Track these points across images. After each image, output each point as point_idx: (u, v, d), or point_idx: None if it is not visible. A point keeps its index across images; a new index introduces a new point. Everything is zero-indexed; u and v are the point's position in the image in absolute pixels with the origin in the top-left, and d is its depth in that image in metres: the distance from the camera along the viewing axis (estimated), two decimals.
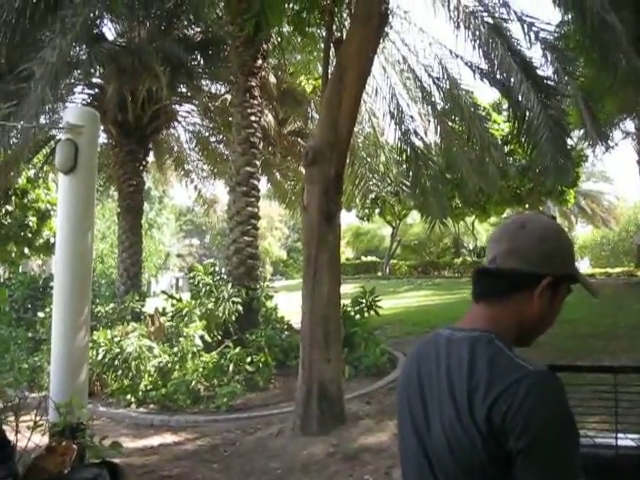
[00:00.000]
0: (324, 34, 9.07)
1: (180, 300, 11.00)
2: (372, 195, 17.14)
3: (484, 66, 10.37)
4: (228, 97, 14.47)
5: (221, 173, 17.94)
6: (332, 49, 8.30)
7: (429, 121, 12.50)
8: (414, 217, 33.77)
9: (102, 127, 12.82)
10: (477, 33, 9.87)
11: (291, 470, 5.97)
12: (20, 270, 20.98)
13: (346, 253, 45.52)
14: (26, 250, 20.99)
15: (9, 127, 8.20)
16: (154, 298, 17.14)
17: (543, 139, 9.48)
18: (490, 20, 9.93)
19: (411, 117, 12.55)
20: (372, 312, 11.39)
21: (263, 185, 17.27)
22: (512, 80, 9.58)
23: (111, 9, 10.23)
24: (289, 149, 16.85)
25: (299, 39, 11.37)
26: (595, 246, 48.14)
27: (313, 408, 6.93)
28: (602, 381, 2.53)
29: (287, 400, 8.38)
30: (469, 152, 12.24)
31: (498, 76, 10.11)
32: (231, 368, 9.19)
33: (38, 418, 4.45)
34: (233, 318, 10.32)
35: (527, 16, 9.47)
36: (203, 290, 10.70)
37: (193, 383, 8.80)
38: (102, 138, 14.28)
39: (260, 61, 11.85)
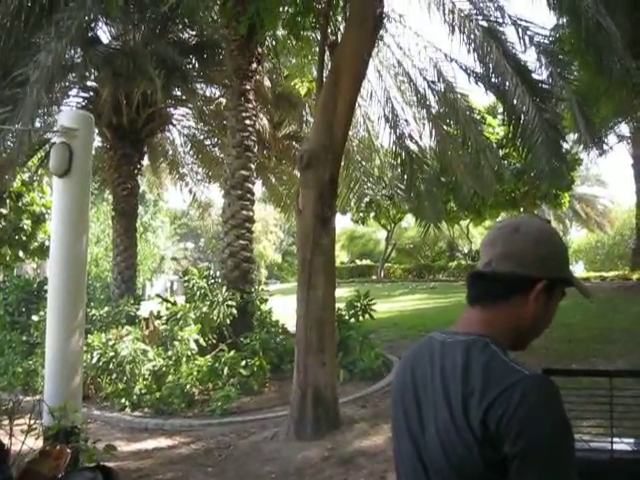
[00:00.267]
0: (319, 37, 9.08)
1: (175, 304, 10.99)
2: (367, 199, 17.13)
3: (479, 70, 10.41)
4: (223, 100, 14.51)
5: (216, 176, 17.94)
6: (327, 52, 8.31)
7: (424, 125, 12.52)
8: (409, 221, 33.86)
9: (97, 130, 12.79)
10: (472, 37, 9.89)
11: (285, 474, 5.96)
12: (14, 273, 20.92)
13: (341, 257, 45.56)
14: (21, 253, 20.91)
15: (5, 131, 8.19)
16: (149, 301, 17.07)
17: (538, 143, 9.51)
18: (485, 24, 9.95)
19: (406, 121, 12.58)
20: (367, 316, 11.39)
21: (258, 188, 17.29)
22: (507, 84, 9.62)
23: (106, 12, 10.20)
24: (284, 152, 16.86)
25: (294, 42, 11.35)
26: (589, 250, 48.23)
27: (308, 412, 6.93)
28: (597, 385, 2.53)
29: (282, 404, 8.38)
30: (464, 155, 12.25)
31: (493, 80, 10.14)
32: (226, 372, 9.17)
33: (32, 422, 4.43)
34: (228, 322, 10.31)
35: (521, 20, 9.51)
36: (198, 294, 10.68)
37: (187, 387, 8.79)
38: (97, 141, 14.25)
39: (255, 64, 11.86)
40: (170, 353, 9.33)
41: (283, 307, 12.70)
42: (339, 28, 9.15)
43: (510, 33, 9.88)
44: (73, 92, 13.95)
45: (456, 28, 10.07)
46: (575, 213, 42.94)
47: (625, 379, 2.61)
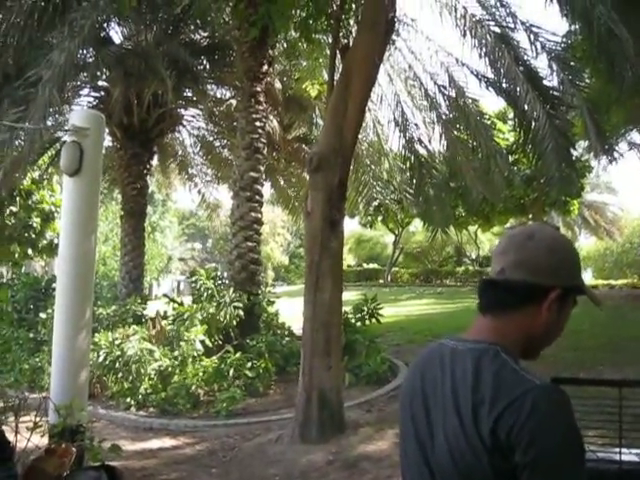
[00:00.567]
0: (330, 40, 9.09)
1: (181, 304, 11.00)
2: (375, 202, 17.13)
3: (490, 75, 10.41)
4: (233, 102, 14.53)
5: (225, 178, 17.99)
6: (338, 56, 8.31)
7: (433, 129, 12.52)
8: (417, 225, 33.75)
9: (107, 130, 12.84)
10: (483, 42, 9.90)
11: (289, 477, 5.94)
12: (23, 271, 21.02)
13: (348, 260, 45.50)
14: (29, 251, 21.01)
15: (17, 129, 8.23)
16: (155, 301, 17.11)
17: (548, 149, 9.48)
18: (497, 29, 9.95)
19: (415, 125, 12.60)
20: (373, 320, 11.37)
21: (266, 190, 17.31)
22: (518, 90, 9.61)
23: (119, 12, 10.25)
24: (293, 155, 16.87)
25: (305, 45, 11.36)
26: (598, 257, 47.94)
27: (313, 415, 6.91)
28: (606, 394, 2.51)
29: (287, 406, 8.36)
30: (474, 161, 12.23)
31: (504, 85, 10.13)
32: (231, 373, 9.16)
33: (38, 419, 4.44)
34: (234, 323, 10.30)
35: (533, 26, 9.49)
36: (205, 294, 10.69)
37: (193, 387, 8.78)
38: (107, 141, 14.30)
39: (266, 66, 11.85)
40: (176, 353, 9.33)
41: (289, 309, 12.69)
42: (351, 31, 9.14)
43: (522, 39, 9.89)
44: (84, 92, 14.06)
45: (468, 33, 10.08)
46: (584, 220, 42.72)
47: (634, 389, 2.59)
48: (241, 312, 10.33)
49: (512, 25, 9.85)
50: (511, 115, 16.91)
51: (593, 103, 10.27)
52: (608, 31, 7.61)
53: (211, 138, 17.91)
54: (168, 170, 19.72)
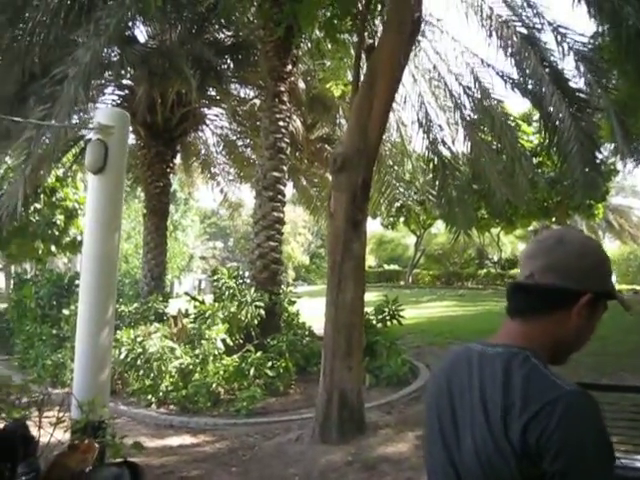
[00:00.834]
0: (355, 40, 9.07)
1: (203, 302, 11.04)
2: (398, 203, 17.06)
3: (515, 76, 10.34)
4: (257, 102, 14.56)
5: (247, 177, 18.03)
6: (363, 56, 8.29)
7: (457, 130, 12.45)
8: (439, 227, 33.64)
9: (131, 128, 12.92)
10: (509, 42, 9.83)
11: (309, 477, 5.94)
12: (46, 267, 21.25)
13: (369, 261, 45.39)
14: (53, 248, 21.21)
15: (43, 127, 8.31)
16: (177, 299, 17.19)
17: (573, 152, 9.40)
18: (523, 30, 9.87)
19: (439, 126, 12.53)
20: (394, 321, 11.33)
21: (288, 190, 17.31)
22: (544, 91, 9.52)
23: (144, 12, 10.32)
24: (316, 155, 16.86)
25: (330, 45, 11.35)
26: (622, 262, 47.43)
27: (333, 416, 6.89)
28: (628, 400, 2.47)
29: (307, 406, 8.36)
30: (498, 162, 12.14)
31: (530, 86, 10.04)
32: (252, 372, 9.18)
33: (61, 415, 4.47)
34: (255, 322, 10.32)
35: (561, 27, 9.40)
36: (226, 293, 10.72)
37: (213, 386, 8.81)
38: (130, 139, 14.38)
39: (290, 66, 11.86)
40: (197, 352, 9.37)
41: (310, 309, 12.69)
42: (376, 31, 9.12)
43: (548, 40, 9.79)
44: (109, 90, 14.17)
45: (493, 33, 10.01)
46: (608, 224, 42.25)
47: None
48: (262, 311, 10.35)
49: (539, 26, 9.78)
50: (536, 117, 16.82)
51: (620, 105, 10.14)
52: (637, 32, 7.51)
53: (234, 137, 17.94)
54: (191, 169, 19.81)
